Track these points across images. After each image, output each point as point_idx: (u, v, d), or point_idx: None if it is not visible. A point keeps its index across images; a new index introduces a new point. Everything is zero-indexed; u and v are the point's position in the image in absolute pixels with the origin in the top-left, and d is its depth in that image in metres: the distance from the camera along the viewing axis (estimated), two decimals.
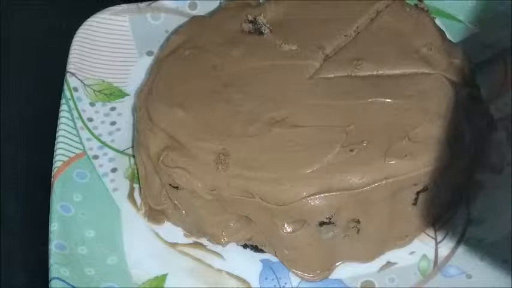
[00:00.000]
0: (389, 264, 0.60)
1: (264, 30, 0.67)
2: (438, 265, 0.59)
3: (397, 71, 0.62)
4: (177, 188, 0.60)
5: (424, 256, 0.60)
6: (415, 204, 0.58)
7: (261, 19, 0.67)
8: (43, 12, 0.86)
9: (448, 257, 0.59)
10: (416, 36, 0.64)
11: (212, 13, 0.73)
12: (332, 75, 0.62)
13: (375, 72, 0.62)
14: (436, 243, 0.60)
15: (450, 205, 0.61)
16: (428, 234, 0.61)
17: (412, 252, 0.60)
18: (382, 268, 0.59)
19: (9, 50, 0.82)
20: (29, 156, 0.73)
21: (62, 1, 0.86)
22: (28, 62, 0.79)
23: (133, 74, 0.74)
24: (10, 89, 0.79)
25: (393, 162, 0.56)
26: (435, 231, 0.61)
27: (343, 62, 0.63)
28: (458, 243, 0.60)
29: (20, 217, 0.62)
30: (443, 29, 0.67)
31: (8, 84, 0.79)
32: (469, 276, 0.58)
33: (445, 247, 0.60)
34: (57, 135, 0.67)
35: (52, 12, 0.85)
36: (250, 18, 0.68)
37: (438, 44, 0.64)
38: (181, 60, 0.67)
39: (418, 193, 0.57)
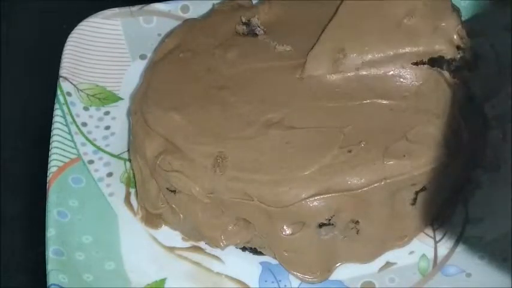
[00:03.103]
0: (389, 264, 0.60)
1: (258, 31, 0.67)
2: (438, 264, 0.59)
3: (381, 54, 0.60)
4: (174, 191, 0.60)
5: (424, 256, 0.60)
6: (413, 204, 0.58)
7: (254, 21, 0.67)
8: (37, 14, 0.86)
9: (448, 256, 0.59)
10: (395, 4, 0.61)
11: (205, 16, 0.73)
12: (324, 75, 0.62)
13: (361, 62, 0.61)
14: (435, 243, 0.60)
15: (448, 204, 0.61)
16: (427, 234, 0.61)
17: (411, 252, 0.60)
18: (382, 268, 0.59)
19: (5, 53, 0.82)
20: (29, 156, 0.73)
21: (57, 4, 0.86)
22: (24, 64, 0.78)
23: (127, 78, 0.74)
24: (10, 89, 0.79)
25: (391, 162, 0.56)
26: (434, 230, 0.61)
27: (327, 56, 0.62)
28: (457, 242, 0.60)
29: (20, 217, 0.61)
30: None
31: (6, 83, 0.79)
32: (468, 275, 0.58)
33: (444, 246, 0.60)
34: (51, 140, 0.66)
35: (46, 15, 0.85)
36: (244, 20, 0.68)
37: (419, 8, 0.61)
38: (175, 64, 0.67)
39: (416, 193, 0.57)
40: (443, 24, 0.60)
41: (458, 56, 0.60)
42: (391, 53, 0.61)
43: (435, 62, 0.61)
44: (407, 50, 0.60)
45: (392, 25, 0.61)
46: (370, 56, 0.61)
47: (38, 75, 0.80)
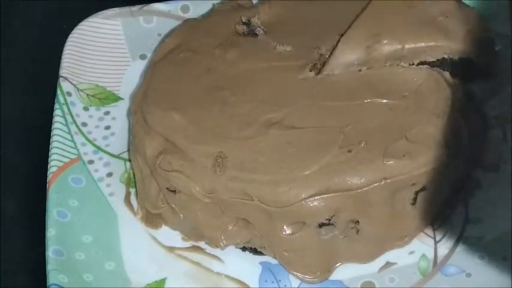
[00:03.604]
0: (389, 264, 0.60)
1: (258, 31, 0.67)
2: (438, 264, 0.59)
3: (419, 44, 0.62)
4: (174, 191, 0.60)
5: (424, 256, 0.60)
6: (413, 204, 0.58)
7: (254, 21, 0.67)
8: (37, 14, 0.86)
9: (448, 256, 0.59)
10: (430, 5, 0.63)
11: (205, 16, 0.73)
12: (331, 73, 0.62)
13: (399, 46, 0.61)
14: (435, 243, 0.60)
15: (448, 204, 0.61)
16: (427, 234, 0.61)
17: (411, 252, 0.60)
18: (382, 268, 0.59)
19: (5, 53, 0.82)
20: (29, 156, 0.73)
21: (57, 4, 0.86)
22: (24, 64, 0.78)
23: (127, 78, 0.74)
24: (10, 89, 0.79)
25: (391, 162, 0.56)
26: (434, 230, 0.61)
27: (361, 39, 0.62)
28: (457, 242, 0.60)
29: (20, 217, 0.61)
30: None
31: (7, 83, 0.79)
32: (468, 275, 0.58)
33: (444, 246, 0.60)
34: (51, 140, 0.66)
35: (46, 15, 0.85)
36: (244, 20, 0.68)
37: (453, 11, 0.63)
38: (175, 64, 0.67)
39: (416, 193, 0.58)
40: (476, 31, 0.62)
41: (484, 63, 0.62)
42: (425, 44, 0.62)
43: (462, 63, 0.62)
44: (442, 43, 0.61)
45: (427, 20, 0.62)
46: (403, 45, 0.62)
47: (38, 75, 0.80)
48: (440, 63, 0.63)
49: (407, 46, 0.62)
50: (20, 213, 0.62)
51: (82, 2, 0.82)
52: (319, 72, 0.63)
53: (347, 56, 0.62)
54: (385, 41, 0.62)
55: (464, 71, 0.63)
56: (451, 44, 0.62)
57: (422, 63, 0.63)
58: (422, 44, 0.62)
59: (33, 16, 0.86)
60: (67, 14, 0.81)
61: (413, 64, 0.63)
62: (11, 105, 0.77)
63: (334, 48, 0.63)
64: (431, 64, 0.63)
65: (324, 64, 0.63)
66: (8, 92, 0.79)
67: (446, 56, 0.62)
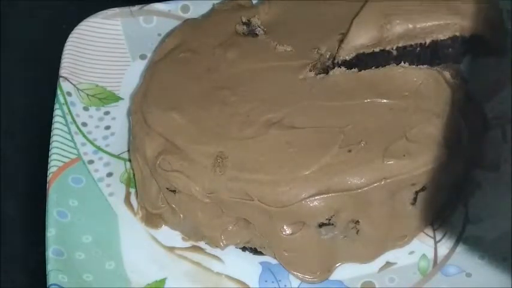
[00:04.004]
0: (388, 264, 0.60)
1: (258, 31, 0.67)
2: (438, 264, 0.59)
3: (430, 23, 0.63)
4: (174, 191, 0.60)
5: (424, 256, 0.60)
6: (413, 204, 0.58)
7: (255, 21, 0.67)
8: (37, 14, 0.86)
9: (448, 256, 0.59)
10: None
11: (205, 16, 0.73)
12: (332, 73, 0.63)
13: (410, 26, 0.63)
14: (435, 243, 0.60)
15: (448, 204, 0.61)
16: (427, 234, 0.61)
17: (411, 252, 0.60)
18: (381, 268, 0.59)
19: (5, 53, 0.82)
20: (29, 156, 0.73)
21: (57, 4, 0.86)
22: (24, 64, 0.78)
23: (127, 78, 0.74)
24: (10, 89, 0.79)
25: (391, 162, 0.56)
26: (434, 230, 0.61)
27: (374, 20, 0.64)
28: (457, 242, 0.60)
29: (20, 217, 0.61)
30: None
31: (7, 83, 0.80)
32: (468, 275, 0.58)
33: (444, 246, 0.60)
34: (51, 140, 0.66)
35: (46, 15, 0.85)
36: (244, 20, 0.68)
37: None
38: (175, 64, 0.67)
39: (416, 193, 0.58)
40: (485, 8, 0.64)
41: (497, 40, 0.64)
42: (437, 22, 0.63)
43: (473, 41, 0.64)
44: (452, 21, 0.63)
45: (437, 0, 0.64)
46: (415, 25, 0.63)
47: (38, 75, 0.80)
48: (451, 42, 0.64)
49: (418, 25, 0.63)
50: (20, 213, 0.62)
51: (82, 2, 0.82)
52: (322, 71, 0.63)
53: (360, 37, 0.63)
54: (397, 21, 0.63)
55: (476, 49, 0.65)
56: (461, 22, 0.63)
57: (433, 42, 0.64)
58: (434, 23, 0.63)
59: (33, 16, 0.86)
60: (67, 14, 0.81)
61: (425, 43, 0.64)
62: (11, 105, 0.77)
63: (346, 33, 0.64)
64: (443, 43, 0.64)
65: (324, 64, 0.64)
66: (8, 92, 0.79)
67: (458, 34, 0.64)
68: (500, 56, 0.66)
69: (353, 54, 0.64)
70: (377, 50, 0.65)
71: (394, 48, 0.65)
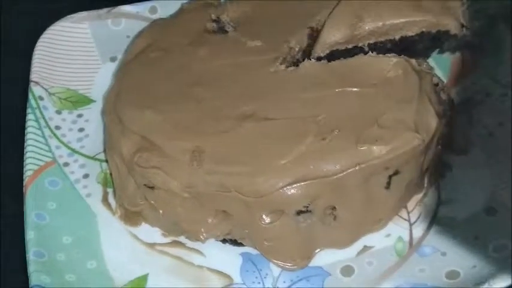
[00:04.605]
0: (366, 248, 0.61)
1: (228, 28, 0.68)
2: (413, 246, 0.60)
3: (398, 20, 0.66)
4: (152, 188, 0.60)
5: (400, 238, 0.61)
6: (388, 188, 0.59)
7: (224, 18, 0.69)
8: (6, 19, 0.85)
9: (423, 237, 0.61)
10: None
11: (174, 15, 0.74)
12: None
13: (380, 23, 0.66)
14: (410, 225, 0.62)
15: (421, 187, 0.63)
16: (402, 217, 0.62)
17: (387, 235, 0.61)
18: (360, 252, 0.61)
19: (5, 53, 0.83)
20: None
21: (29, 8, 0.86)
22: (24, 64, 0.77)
23: (98, 80, 0.75)
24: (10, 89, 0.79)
25: (364, 148, 0.57)
26: (408, 213, 0.62)
27: (346, 19, 0.67)
28: (431, 223, 0.62)
29: (20, 217, 0.61)
30: None
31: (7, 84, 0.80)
32: (443, 254, 0.59)
33: (419, 228, 0.62)
34: (25, 144, 0.67)
35: (16, 19, 0.85)
36: (213, 17, 0.69)
37: None
38: (147, 63, 0.67)
39: (390, 177, 0.59)
40: (449, 3, 0.68)
41: (462, 33, 0.67)
42: (404, 20, 0.66)
43: (440, 36, 0.68)
44: (418, 18, 0.66)
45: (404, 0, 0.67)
46: (384, 22, 0.66)
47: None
48: (419, 37, 0.67)
49: (387, 22, 0.66)
50: (20, 213, 0.62)
51: (50, 5, 0.82)
52: (292, 63, 0.65)
53: (333, 35, 0.66)
54: (367, 19, 0.66)
55: (442, 43, 0.68)
56: (428, 18, 0.66)
57: (403, 38, 0.67)
58: (402, 20, 0.66)
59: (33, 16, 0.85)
60: (37, 17, 0.80)
61: (394, 39, 0.67)
62: (11, 105, 0.76)
63: (319, 31, 0.67)
64: (411, 38, 0.67)
65: (294, 57, 0.65)
66: (8, 92, 0.79)
67: (425, 30, 0.67)
68: (464, 47, 0.69)
69: (327, 51, 0.66)
70: (350, 46, 0.67)
71: (366, 44, 0.67)
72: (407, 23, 0.67)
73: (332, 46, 0.66)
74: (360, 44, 0.67)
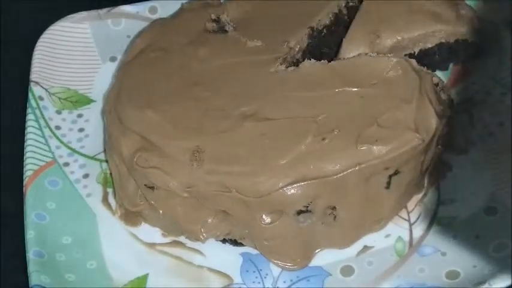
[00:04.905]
0: (366, 248, 0.61)
1: (228, 28, 0.68)
2: (413, 246, 0.60)
3: (416, 33, 0.67)
4: (152, 188, 0.60)
5: (400, 238, 0.61)
6: (387, 188, 0.59)
7: (224, 17, 0.69)
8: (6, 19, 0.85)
9: (423, 237, 0.61)
10: None
11: (174, 15, 0.74)
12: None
13: (399, 38, 0.67)
14: (410, 225, 0.62)
15: (421, 187, 0.63)
16: (402, 217, 0.62)
17: (387, 235, 0.61)
18: (360, 252, 0.61)
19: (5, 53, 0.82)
20: None
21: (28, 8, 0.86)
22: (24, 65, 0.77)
23: (98, 80, 0.75)
24: (9, 89, 0.79)
25: (364, 148, 0.57)
26: (408, 213, 0.62)
27: (363, 37, 0.67)
28: (431, 223, 0.62)
29: (20, 217, 0.61)
30: None
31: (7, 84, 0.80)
32: (443, 254, 0.59)
33: (419, 228, 0.62)
34: (25, 145, 0.67)
35: (16, 19, 0.85)
36: (213, 17, 0.69)
37: None
38: (147, 63, 0.67)
39: (390, 177, 0.59)
40: (462, 12, 0.68)
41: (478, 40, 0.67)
42: (423, 31, 0.67)
43: (457, 46, 0.68)
44: (436, 29, 0.67)
45: (418, 9, 0.67)
46: (403, 36, 0.67)
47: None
48: (438, 49, 0.68)
49: (406, 36, 0.67)
50: (20, 213, 0.62)
51: (51, 3, 0.82)
52: (292, 63, 0.65)
53: (352, 54, 0.66)
54: (384, 35, 0.66)
55: (460, 53, 0.69)
56: (444, 28, 0.67)
57: (421, 51, 0.68)
58: (421, 32, 0.67)
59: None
60: (37, 18, 0.80)
61: (414, 53, 0.68)
62: (11, 105, 0.76)
63: (339, 45, 0.68)
64: (430, 51, 0.68)
65: (294, 57, 0.65)
66: (8, 92, 0.79)
67: (443, 40, 0.68)
68: (482, 56, 0.70)
69: None
70: None
71: None
72: (426, 35, 0.67)
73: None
74: None
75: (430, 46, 0.68)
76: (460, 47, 0.69)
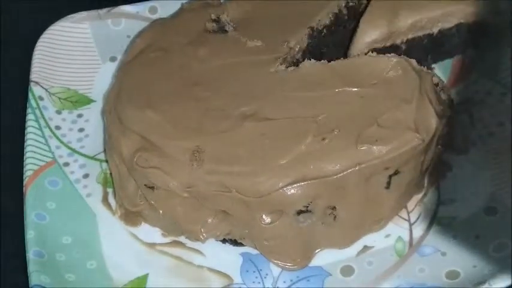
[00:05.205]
0: (366, 248, 0.61)
1: (228, 28, 0.68)
2: (413, 246, 0.60)
3: (436, 12, 0.67)
4: (152, 188, 0.60)
5: (400, 238, 0.61)
6: (387, 188, 0.59)
7: (224, 18, 0.69)
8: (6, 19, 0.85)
9: (423, 237, 0.61)
10: None
11: (174, 15, 0.74)
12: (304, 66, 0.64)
13: (418, 17, 0.66)
14: (410, 225, 0.62)
15: (421, 187, 0.63)
16: (402, 217, 0.62)
17: (387, 235, 0.61)
18: (360, 252, 0.61)
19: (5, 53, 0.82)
20: None
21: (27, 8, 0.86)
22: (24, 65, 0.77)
23: (98, 80, 0.75)
24: (9, 89, 0.79)
25: (364, 148, 0.57)
26: (408, 213, 0.62)
27: (381, 16, 0.67)
28: (431, 223, 0.62)
29: (20, 217, 0.61)
30: None
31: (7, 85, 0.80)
32: (443, 254, 0.59)
33: (419, 228, 0.62)
34: (25, 145, 0.67)
35: (15, 19, 0.85)
36: (213, 17, 0.69)
37: None
38: (147, 63, 0.67)
39: (390, 177, 0.59)
40: None
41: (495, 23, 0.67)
42: (442, 11, 0.67)
43: (476, 27, 0.68)
44: (455, 8, 0.67)
45: None
46: (422, 15, 0.67)
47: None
48: (456, 30, 0.68)
49: (425, 16, 0.67)
50: (20, 213, 0.62)
51: (51, 3, 0.82)
52: (292, 63, 0.65)
53: (370, 34, 0.66)
54: (403, 14, 0.66)
55: (479, 36, 0.68)
56: (464, 7, 0.67)
57: (440, 32, 0.68)
58: (438, 12, 0.67)
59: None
60: (36, 18, 0.80)
61: (433, 34, 0.67)
62: (11, 105, 0.76)
63: (355, 29, 0.67)
64: (449, 32, 0.68)
65: (294, 57, 0.65)
66: (8, 92, 0.79)
67: (462, 21, 0.67)
68: (502, 39, 0.69)
69: (365, 51, 0.67)
70: (388, 44, 0.67)
71: (404, 41, 0.68)
72: (445, 14, 0.67)
73: (370, 45, 0.67)
74: (398, 41, 0.67)
75: (449, 26, 0.67)
76: (478, 28, 0.68)
